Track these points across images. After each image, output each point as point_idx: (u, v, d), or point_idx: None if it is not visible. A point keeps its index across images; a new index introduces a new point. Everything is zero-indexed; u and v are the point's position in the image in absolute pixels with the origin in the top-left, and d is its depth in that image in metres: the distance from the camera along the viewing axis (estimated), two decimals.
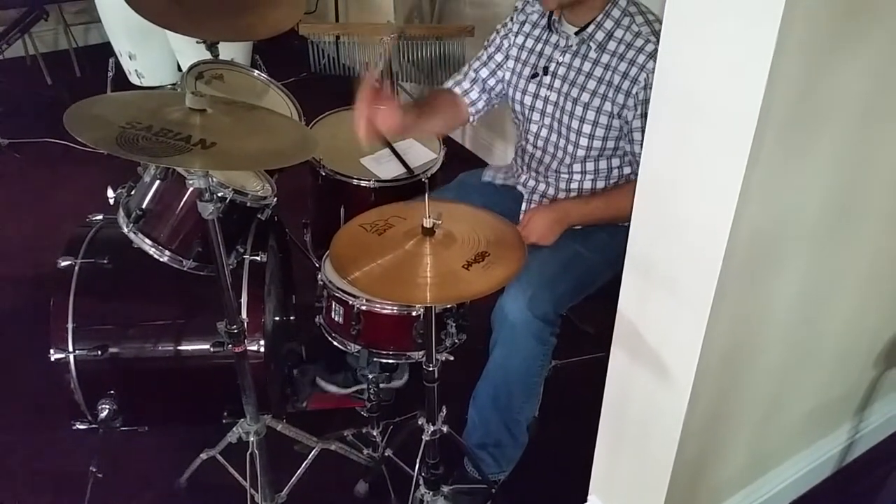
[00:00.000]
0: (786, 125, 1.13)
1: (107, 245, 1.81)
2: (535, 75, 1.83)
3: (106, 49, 3.05)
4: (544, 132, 1.85)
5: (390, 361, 1.83)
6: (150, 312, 1.83)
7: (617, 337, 1.53)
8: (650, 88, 1.65)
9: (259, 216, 1.86)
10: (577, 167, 1.84)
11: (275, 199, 1.85)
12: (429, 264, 1.28)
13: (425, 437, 1.57)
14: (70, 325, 1.72)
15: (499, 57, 1.90)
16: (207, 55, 2.15)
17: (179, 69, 2.92)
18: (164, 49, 2.87)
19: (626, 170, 1.83)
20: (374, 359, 1.77)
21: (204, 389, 1.86)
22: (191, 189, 1.33)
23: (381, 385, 1.83)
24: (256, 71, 2.20)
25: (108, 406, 1.76)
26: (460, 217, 1.41)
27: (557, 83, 1.79)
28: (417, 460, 1.63)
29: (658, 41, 1.65)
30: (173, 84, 2.98)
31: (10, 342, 2.35)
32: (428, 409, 1.55)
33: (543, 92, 1.82)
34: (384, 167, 2.09)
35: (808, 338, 1.59)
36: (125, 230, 1.69)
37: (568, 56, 1.77)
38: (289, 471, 1.81)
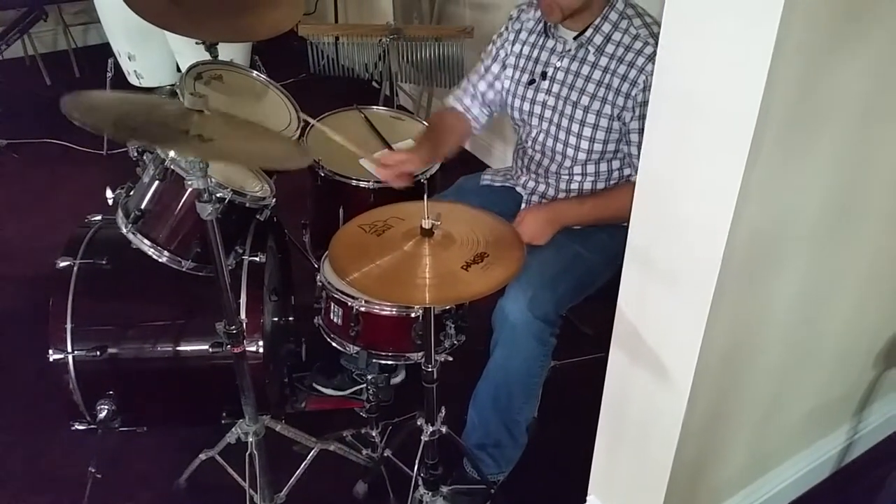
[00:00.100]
0: (785, 125, 1.13)
1: (106, 245, 1.81)
2: (532, 81, 1.84)
3: (105, 50, 3.05)
4: (543, 136, 1.85)
5: (389, 363, 1.83)
6: (148, 313, 1.83)
7: (616, 337, 1.53)
8: (648, 90, 1.66)
9: (258, 217, 1.85)
10: (577, 170, 1.84)
11: (274, 200, 1.84)
12: (428, 265, 1.28)
13: (424, 438, 1.57)
14: (69, 326, 1.72)
15: (495, 68, 1.91)
16: (207, 56, 2.14)
17: (178, 70, 2.92)
18: (164, 50, 2.87)
19: (626, 171, 1.83)
20: (373, 360, 1.77)
21: (203, 390, 1.86)
22: (189, 190, 1.33)
23: (380, 385, 1.83)
24: (255, 72, 2.19)
25: (106, 406, 1.76)
26: (459, 218, 1.41)
27: (556, 88, 1.80)
28: (416, 461, 1.62)
29: (656, 44, 1.66)
30: (172, 85, 2.97)
31: (9, 342, 2.35)
32: (427, 409, 1.55)
33: (542, 97, 1.83)
34: None
35: (808, 338, 1.59)
36: (124, 231, 1.69)
37: (566, 60, 1.77)
38: (288, 471, 1.81)
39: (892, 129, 1.34)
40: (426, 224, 1.31)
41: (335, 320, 1.79)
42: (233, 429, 1.69)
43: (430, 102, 3.49)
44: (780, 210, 1.26)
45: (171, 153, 1.63)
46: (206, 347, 1.76)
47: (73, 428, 1.84)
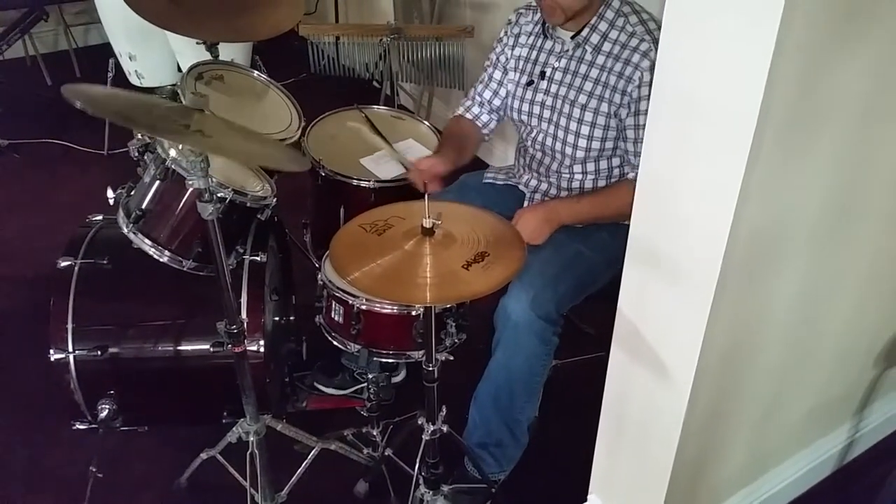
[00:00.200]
0: (785, 125, 1.13)
1: (107, 245, 1.81)
2: (531, 82, 1.85)
3: (106, 50, 3.05)
4: (543, 136, 1.86)
5: (390, 361, 1.83)
6: (149, 313, 1.83)
7: (617, 336, 1.53)
8: (644, 87, 1.67)
9: (259, 216, 1.85)
10: (577, 167, 1.85)
11: (274, 200, 1.85)
12: (428, 264, 1.28)
13: (425, 437, 1.57)
14: (70, 326, 1.72)
15: (497, 75, 1.94)
16: (207, 56, 2.14)
17: (179, 70, 2.92)
18: (164, 50, 2.87)
19: (627, 169, 1.84)
20: (374, 358, 1.77)
21: (204, 389, 1.86)
22: (190, 189, 1.33)
23: (381, 384, 1.83)
24: (256, 71, 2.20)
25: (107, 406, 1.76)
26: (460, 217, 1.41)
27: (554, 88, 1.81)
28: (417, 460, 1.62)
29: (652, 40, 1.67)
30: (173, 85, 2.97)
31: (9, 342, 2.35)
32: (428, 408, 1.55)
33: (541, 97, 1.84)
34: (384, 167, 2.09)
35: (808, 337, 1.59)
36: (125, 230, 1.70)
37: (564, 60, 1.79)
38: (289, 470, 1.81)
39: (892, 129, 1.34)
40: (427, 223, 1.31)
41: (336, 318, 1.79)
42: (234, 428, 1.69)
43: (431, 102, 3.49)
44: (780, 210, 1.26)
45: (172, 153, 1.63)
46: (207, 347, 1.76)
47: (74, 427, 1.84)
